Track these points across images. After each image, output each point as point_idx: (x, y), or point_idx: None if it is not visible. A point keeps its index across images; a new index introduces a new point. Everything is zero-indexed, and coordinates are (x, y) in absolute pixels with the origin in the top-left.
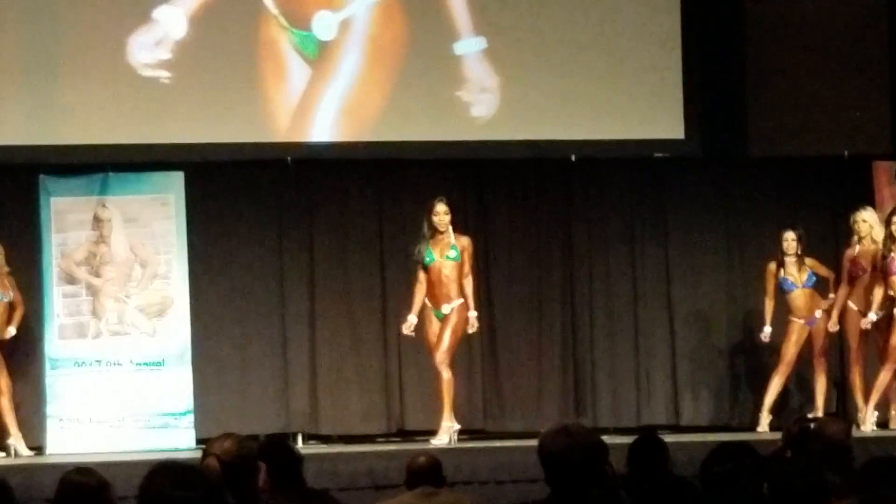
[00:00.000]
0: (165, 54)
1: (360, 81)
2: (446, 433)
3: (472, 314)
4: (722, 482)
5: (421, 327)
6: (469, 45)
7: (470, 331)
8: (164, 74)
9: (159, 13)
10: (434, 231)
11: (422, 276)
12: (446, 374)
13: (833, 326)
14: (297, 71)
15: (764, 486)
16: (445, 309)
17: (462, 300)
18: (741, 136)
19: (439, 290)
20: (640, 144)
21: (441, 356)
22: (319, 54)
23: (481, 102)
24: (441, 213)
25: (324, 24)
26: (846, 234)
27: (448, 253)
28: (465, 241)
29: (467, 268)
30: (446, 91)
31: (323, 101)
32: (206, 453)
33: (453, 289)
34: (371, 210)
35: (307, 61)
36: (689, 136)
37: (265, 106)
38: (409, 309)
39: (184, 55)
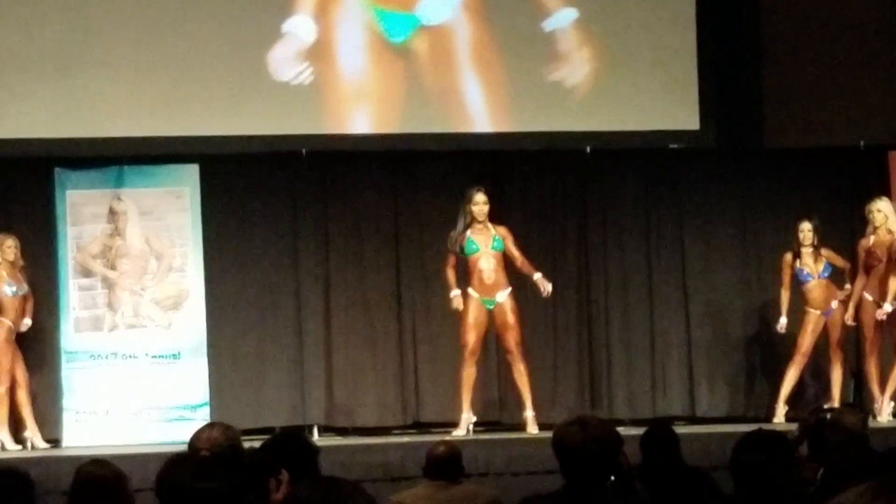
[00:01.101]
0: (182, 46)
1: (375, 72)
2: (533, 423)
3: (538, 275)
4: (753, 471)
5: (462, 313)
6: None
7: (549, 288)
8: (179, 66)
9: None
10: (472, 221)
11: (452, 260)
12: (523, 366)
13: (849, 320)
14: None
15: (819, 472)
16: (500, 297)
17: (510, 288)
18: (757, 126)
19: (487, 279)
20: (655, 136)
21: (517, 349)
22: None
23: (495, 95)
24: (480, 203)
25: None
26: (862, 224)
27: (492, 244)
28: (503, 230)
29: (517, 252)
30: (460, 84)
31: (338, 90)
32: (193, 447)
33: (500, 278)
34: (386, 202)
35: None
36: (704, 127)
37: (279, 96)
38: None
39: (199, 46)
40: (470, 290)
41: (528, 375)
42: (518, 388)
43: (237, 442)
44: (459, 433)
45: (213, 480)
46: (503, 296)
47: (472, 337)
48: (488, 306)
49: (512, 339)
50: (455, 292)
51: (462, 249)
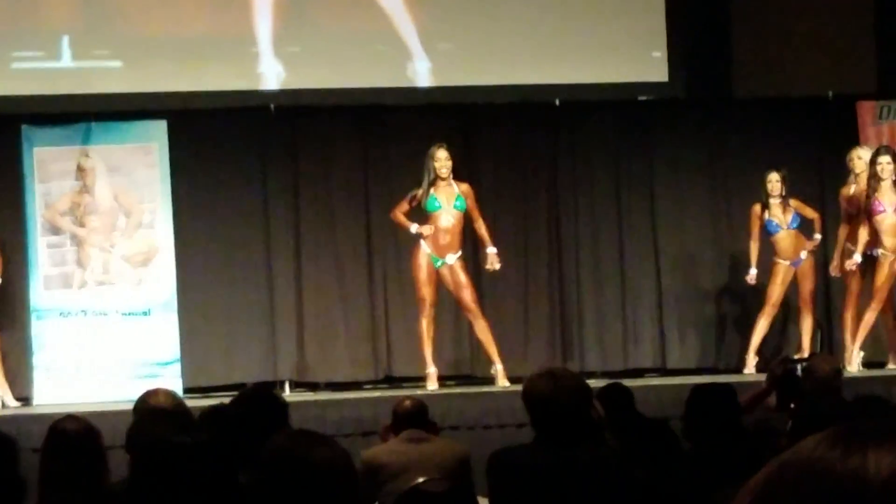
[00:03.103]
0: (151, 2)
1: (345, 25)
2: (503, 376)
3: (492, 250)
4: (704, 423)
5: (412, 266)
6: None
7: (496, 266)
8: (148, 21)
9: None
10: (436, 178)
11: (403, 206)
12: (484, 321)
13: (835, 271)
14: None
15: (788, 423)
16: (450, 259)
17: (461, 252)
18: (725, 77)
19: (444, 238)
20: (625, 87)
21: (475, 306)
22: None
23: (465, 48)
24: (442, 160)
25: None
26: (831, 174)
27: (455, 203)
28: (465, 187)
29: (476, 213)
30: (428, 37)
31: (308, 44)
32: (146, 410)
33: (457, 239)
34: (356, 156)
35: None
36: (673, 79)
37: (247, 52)
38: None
39: (167, 2)
40: (423, 244)
41: (491, 330)
42: (483, 344)
43: (183, 405)
44: (432, 387)
45: (189, 434)
46: (453, 258)
47: (428, 291)
48: (436, 264)
49: (468, 297)
50: (415, 226)
51: (424, 206)
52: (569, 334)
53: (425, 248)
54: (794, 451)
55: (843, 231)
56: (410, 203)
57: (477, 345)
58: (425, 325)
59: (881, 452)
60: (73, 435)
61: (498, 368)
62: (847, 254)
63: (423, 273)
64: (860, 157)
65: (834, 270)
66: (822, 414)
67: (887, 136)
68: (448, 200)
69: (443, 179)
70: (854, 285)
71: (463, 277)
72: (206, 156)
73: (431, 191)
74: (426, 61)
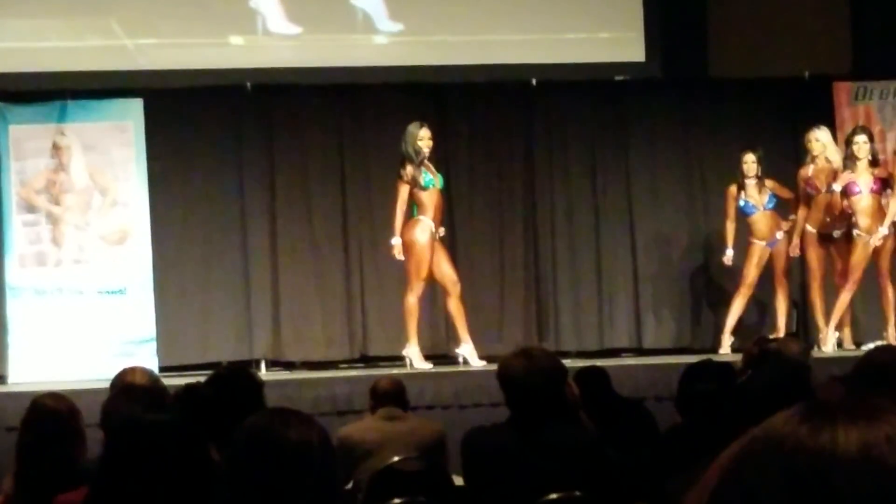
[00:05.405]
0: None
1: (320, 3)
2: (474, 355)
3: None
4: (700, 401)
5: (416, 247)
6: None
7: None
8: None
9: None
10: (421, 157)
11: (405, 193)
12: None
13: (794, 251)
14: None
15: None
16: (440, 232)
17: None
18: (702, 57)
19: (438, 214)
20: (601, 67)
21: (457, 280)
22: None
23: (441, 27)
24: (426, 139)
25: None
26: (805, 155)
27: (440, 180)
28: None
29: None
30: (405, 14)
31: (283, 23)
32: (122, 388)
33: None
34: (332, 135)
35: None
36: (649, 59)
37: (223, 29)
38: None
39: None
40: (425, 218)
41: (466, 310)
42: (455, 320)
43: (160, 384)
44: (426, 365)
45: (163, 412)
46: (442, 231)
47: (427, 269)
48: (435, 238)
49: (453, 268)
50: (396, 240)
51: (421, 183)
52: (544, 314)
53: (430, 225)
54: (763, 428)
55: (801, 212)
56: (410, 184)
57: (453, 324)
58: (415, 304)
59: (850, 429)
60: (54, 412)
61: (467, 348)
62: (807, 235)
63: (427, 252)
64: (818, 139)
65: (794, 251)
66: (790, 394)
67: (863, 117)
68: (436, 178)
69: (426, 158)
70: (815, 265)
71: (445, 251)
72: (182, 134)
73: (423, 168)
74: (402, 40)
